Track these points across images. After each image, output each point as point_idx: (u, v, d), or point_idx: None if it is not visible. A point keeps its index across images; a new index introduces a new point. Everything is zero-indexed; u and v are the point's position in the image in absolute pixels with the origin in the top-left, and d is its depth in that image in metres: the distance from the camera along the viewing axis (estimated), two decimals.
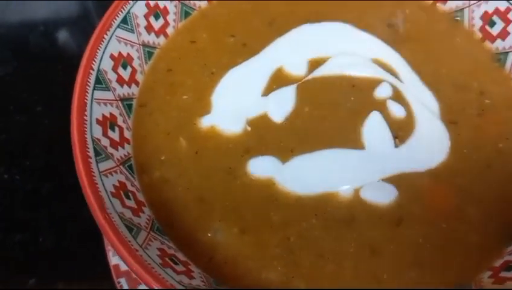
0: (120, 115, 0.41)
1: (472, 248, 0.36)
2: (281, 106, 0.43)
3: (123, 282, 0.44)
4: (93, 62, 0.40)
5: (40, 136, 0.60)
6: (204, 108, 0.44)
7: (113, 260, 0.46)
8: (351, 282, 0.35)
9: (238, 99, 0.44)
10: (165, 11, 0.47)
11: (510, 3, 0.44)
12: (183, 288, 0.32)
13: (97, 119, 0.39)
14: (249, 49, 0.47)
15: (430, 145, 0.41)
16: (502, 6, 0.45)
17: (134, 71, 0.44)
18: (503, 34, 0.46)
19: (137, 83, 0.44)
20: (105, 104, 0.40)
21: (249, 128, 0.42)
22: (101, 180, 0.35)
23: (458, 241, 0.37)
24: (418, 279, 0.35)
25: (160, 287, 0.31)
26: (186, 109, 0.44)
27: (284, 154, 0.41)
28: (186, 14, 0.49)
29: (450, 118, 0.42)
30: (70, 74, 0.65)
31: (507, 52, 0.45)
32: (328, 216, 0.38)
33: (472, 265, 0.36)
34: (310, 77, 0.45)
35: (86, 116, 0.38)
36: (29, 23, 0.70)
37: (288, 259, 0.36)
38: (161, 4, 0.46)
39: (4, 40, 0.69)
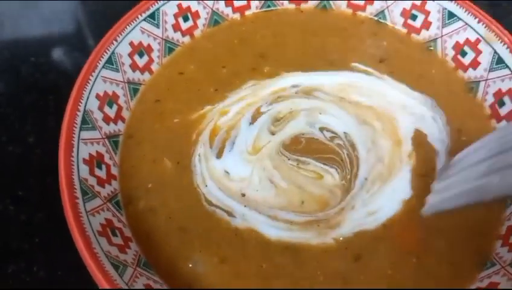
0: (107, 152, 0.43)
1: (445, 277, 0.38)
2: None
3: None
4: (80, 103, 0.42)
5: (33, 167, 0.62)
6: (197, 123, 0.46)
7: None
8: None
9: None
10: (149, 49, 0.49)
11: (479, 35, 0.46)
12: None
13: (84, 159, 0.40)
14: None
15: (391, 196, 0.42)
16: (472, 37, 0.47)
17: (120, 108, 0.46)
18: (474, 64, 0.47)
19: (123, 120, 0.46)
20: (91, 143, 0.42)
21: None
22: (88, 220, 0.37)
23: (430, 273, 0.38)
24: None
25: None
26: (176, 131, 0.45)
27: None
28: (170, 50, 0.50)
29: (423, 172, 0.43)
30: (61, 104, 0.67)
31: (478, 81, 0.47)
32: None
33: None
34: None
35: (73, 157, 0.39)
36: (20, 55, 0.72)
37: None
38: (145, 42, 0.48)
39: None
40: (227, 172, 0.43)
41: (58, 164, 0.39)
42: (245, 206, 0.41)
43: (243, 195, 0.41)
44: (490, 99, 0.46)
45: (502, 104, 0.45)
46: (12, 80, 0.70)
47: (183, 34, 0.51)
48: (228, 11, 0.53)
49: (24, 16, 0.77)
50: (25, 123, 0.65)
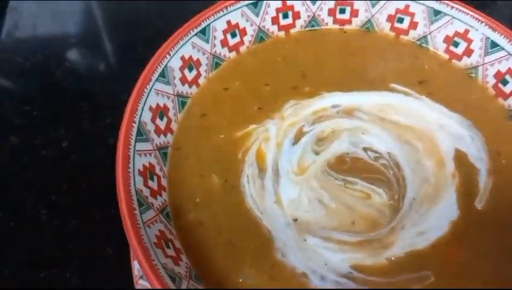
0: (157, 163, 0.44)
1: None
2: None
3: None
4: (135, 115, 0.42)
5: (66, 172, 0.62)
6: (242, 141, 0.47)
7: None
8: None
9: None
10: (198, 63, 0.50)
11: None
12: None
13: (139, 170, 0.41)
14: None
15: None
16: None
17: (169, 121, 0.47)
18: None
19: (172, 132, 0.47)
20: (145, 154, 0.42)
21: None
22: (146, 231, 0.38)
23: None
24: None
25: None
26: (222, 147, 0.46)
27: None
28: (217, 65, 0.51)
29: (468, 191, 0.44)
30: (95, 111, 0.68)
31: None
32: None
33: None
34: None
35: (130, 168, 0.40)
36: (55, 58, 0.73)
37: None
38: (194, 57, 0.49)
39: (31, 75, 0.71)
40: (276, 194, 0.44)
41: (115, 176, 0.39)
42: (299, 233, 0.42)
43: (295, 220, 0.42)
44: None
45: None
46: (46, 84, 0.71)
47: (230, 49, 0.52)
48: (274, 28, 0.54)
49: (55, 18, 0.78)
50: (58, 127, 0.66)
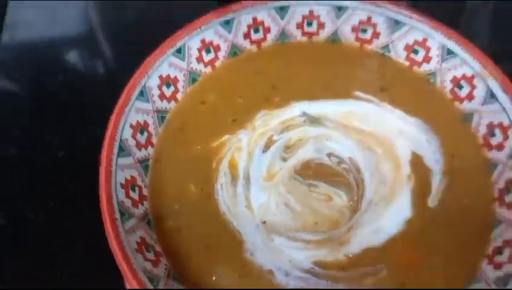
0: (139, 175, 0.48)
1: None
2: None
3: None
4: (116, 134, 0.47)
5: (64, 180, 0.66)
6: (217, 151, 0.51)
7: None
8: None
9: None
10: (175, 80, 0.54)
11: (474, 71, 0.51)
12: None
13: (121, 184, 0.45)
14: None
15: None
16: (468, 73, 0.52)
17: (150, 135, 0.51)
18: (469, 97, 0.52)
19: (152, 145, 0.51)
20: (127, 168, 0.47)
21: None
22: (127, 238, 0.42)
23: (426, 284, 0.43)
24: None
25: None
26: (199, 158, 0.51)
27: None
28: (193, 81, 0.56)
29: (422, 191, 0.48)
30: (87, 117, 0.69)
31: (473, 113, 0.52)
32: None
33: None
34: None
35: (112, 182, 0.45)
36: (48, 61, 0.73)
37: None
38: (172, 75, 0.53)
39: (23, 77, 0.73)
40: (247, 199, 0.48)
41: (99, 190, 0.44)
42: (267, 234, 0.46)
43: (264, 222, 0.46)
44: (483, 130, 0.50)
45: (493, 135, 0.50)
46: (36, 87, 0.71)
47: (205, 65, 0.56)
48: (246, 43, 0.58)
49: (50, 20, 0.79)
50: (47, 133, 0.67)
